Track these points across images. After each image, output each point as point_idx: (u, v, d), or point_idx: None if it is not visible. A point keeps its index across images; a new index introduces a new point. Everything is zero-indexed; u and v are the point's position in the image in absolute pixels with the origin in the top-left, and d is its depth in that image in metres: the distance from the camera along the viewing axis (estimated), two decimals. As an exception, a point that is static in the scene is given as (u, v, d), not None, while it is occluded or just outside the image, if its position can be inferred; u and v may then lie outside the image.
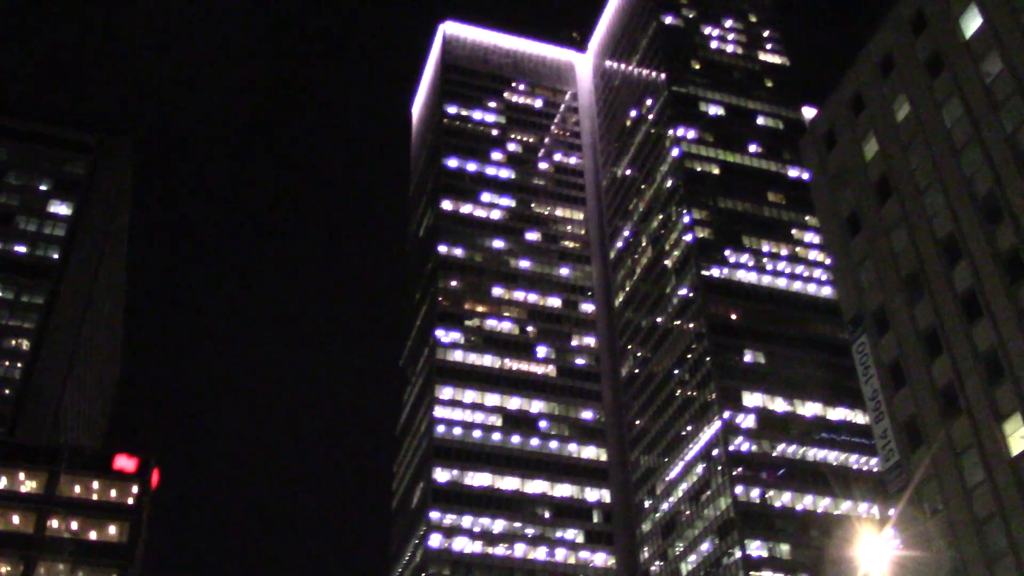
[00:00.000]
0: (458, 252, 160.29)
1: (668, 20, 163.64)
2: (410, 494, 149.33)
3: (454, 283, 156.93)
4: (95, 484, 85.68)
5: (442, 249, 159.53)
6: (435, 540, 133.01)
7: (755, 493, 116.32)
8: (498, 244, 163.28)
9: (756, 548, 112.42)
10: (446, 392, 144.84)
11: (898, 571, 48.41)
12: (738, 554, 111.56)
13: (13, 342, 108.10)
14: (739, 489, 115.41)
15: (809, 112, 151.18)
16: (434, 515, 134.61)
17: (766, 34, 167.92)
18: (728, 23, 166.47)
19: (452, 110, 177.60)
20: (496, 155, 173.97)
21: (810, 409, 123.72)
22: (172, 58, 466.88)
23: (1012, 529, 44.49)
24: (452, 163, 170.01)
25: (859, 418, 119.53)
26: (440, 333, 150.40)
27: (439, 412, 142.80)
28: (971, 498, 47.22)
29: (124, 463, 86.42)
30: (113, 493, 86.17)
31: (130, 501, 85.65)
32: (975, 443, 47.35)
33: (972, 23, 51.33)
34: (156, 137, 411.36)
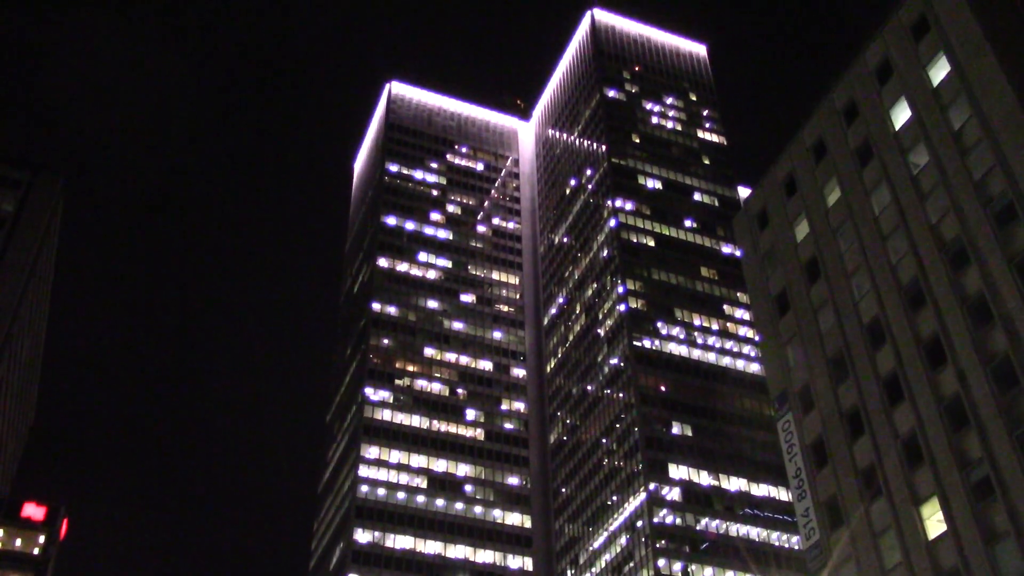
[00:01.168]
0: (392, 310, 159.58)
1: (611, 94, 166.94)
2: (329, 554, 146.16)
3: (386, 341, 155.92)
4: (0, 532, 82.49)
5: (376, 306, 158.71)
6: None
7: (677, 566, 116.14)
8: (432, 304, 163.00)
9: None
10: (372, 451, 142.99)
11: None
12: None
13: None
14: (662, 562, 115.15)
15: (744, 191, 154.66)
16: None
17: (705, 113, 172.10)
18: (669, 100, 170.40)
19: (393, 168, 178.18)
20: (435, 216, 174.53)
21: (735, 484, 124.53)
22: (111, 100, 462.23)
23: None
24: (390, 221, 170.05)
25: (783, 495, 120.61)
26: (369, 391, 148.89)
27: (363, 471, 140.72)
28: (888, 580, 47.71)
29: (32, 511, 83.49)
30: (19, 542, 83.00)
31: (36, 551, 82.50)
32: (893, 524, 47.97)
33: (901, 115, 53.21)
34: (88, 178, 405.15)
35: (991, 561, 42.62)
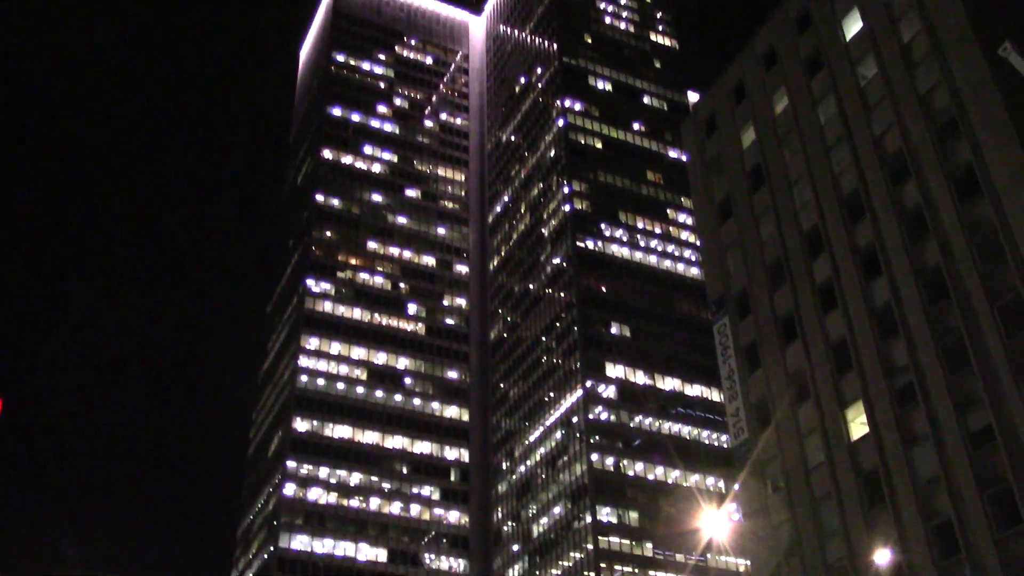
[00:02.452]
0: (335, 203, 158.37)
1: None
2: (268, 442, 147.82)
3: (328, 233, 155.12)
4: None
5: (319, 198, 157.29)
6: (290, 489, 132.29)
7: (610, 461, 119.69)
8: (376, 198, 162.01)
9: (606, 514, 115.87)
10: (312, 342, 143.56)
11: (738, 540, 50.91)
12: (589, 519, 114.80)
13: None
14: (595, 456, 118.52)
15: (694, 97, 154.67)
16: (291, 464, 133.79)
17: (659, 15, 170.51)
18: (623, 1, 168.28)
19: (340, 58, 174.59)
20: (381, 108, 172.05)
21: (669, 384, 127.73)
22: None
23: (845, 509, 47.26)
24: (336, 112, 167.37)
25: (714, 395, 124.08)
26: (310, 283, 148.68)
27: (303, 362, 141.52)
28: (811, 478, 49.88)
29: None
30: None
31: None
32: (819, 426, 49.95)
33: (853, 26, 53.46)
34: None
35: (909, 462, 44.77)
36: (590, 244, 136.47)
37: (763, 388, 54.33)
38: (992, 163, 43.89)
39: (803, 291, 53.10)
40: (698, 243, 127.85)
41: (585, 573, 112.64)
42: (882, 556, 41.99)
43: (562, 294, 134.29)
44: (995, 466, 40.93)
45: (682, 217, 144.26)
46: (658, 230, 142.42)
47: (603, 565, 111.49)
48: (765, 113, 58.98)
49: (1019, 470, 39.88)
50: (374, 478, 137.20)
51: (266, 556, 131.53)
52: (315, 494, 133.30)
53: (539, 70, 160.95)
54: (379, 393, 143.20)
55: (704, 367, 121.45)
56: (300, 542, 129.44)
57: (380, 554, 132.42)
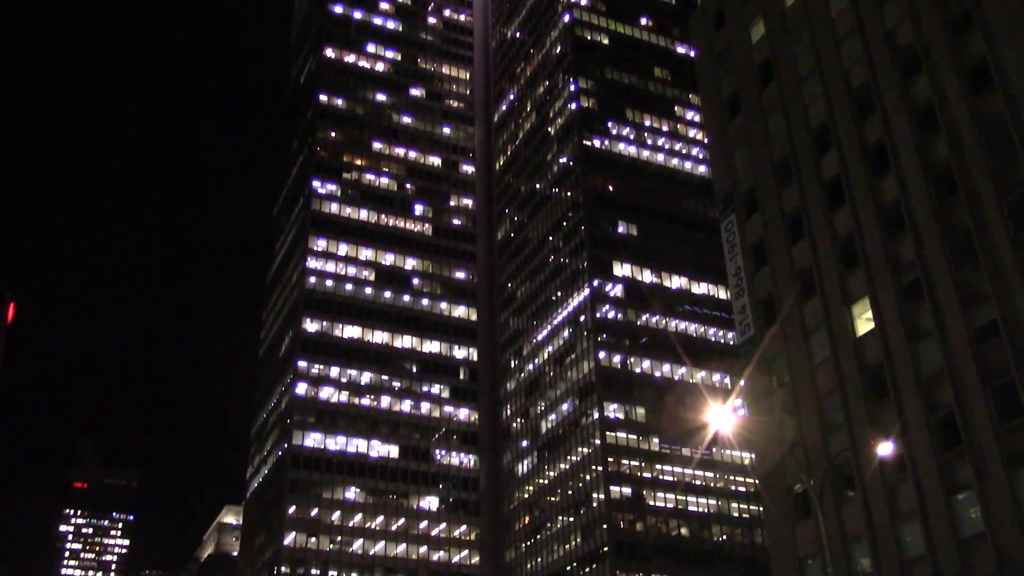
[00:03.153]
0: (339, 102, 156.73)
1: None
2: (278, 343, 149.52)
3: (333, 134, 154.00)
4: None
5: (323, 98, 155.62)
6: (301, 388, 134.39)
7: (617, 359, 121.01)
8: (380, 97, 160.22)
9: (613, 410, 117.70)
10: (319, 244, 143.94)
11: (743, 434, 51.84)
12: (596, 415, 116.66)
13: None
14: (602, 354, 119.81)
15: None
16: (301, 364, 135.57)
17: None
18: None
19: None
20: (384, 5, 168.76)
21: (676, 282, 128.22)
22: None
23: (849, 404, 47.94)
24: (338, 9, 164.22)
25: (721, 293, 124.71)
26: (316, 184, 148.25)
27: (311, 263, 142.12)
28: (815, 373, 50.48)
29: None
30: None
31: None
32: (824, 322, 50.32)
33: (867, -85, 51.98)
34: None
35: (913, 357, 45.23)
36: (597, 142, 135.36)
37: (770, 285, 54.57)
38: (1006, 56, 43.20)
39: (811, 188, 52.88)
40: (706, 140, 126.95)
41: (593, 468, 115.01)
42: (884, 448, 42.77)
43: (568, 193, 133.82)
44: (999, 360, 41.35)
45: (690, 114, 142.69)
46: (665, 127, 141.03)
47: (610, 460, 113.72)
48: (775, 6, 57.81)
49: (1023, 364, 40.32)
50: (384, 377, 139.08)
51: (280, 453, 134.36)
52: (326, 393, 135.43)
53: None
54: (387, 294, 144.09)
55: (711, 265, 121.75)
56: (313, 439, 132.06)
57: (392, 450, 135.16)
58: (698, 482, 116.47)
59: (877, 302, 47.53)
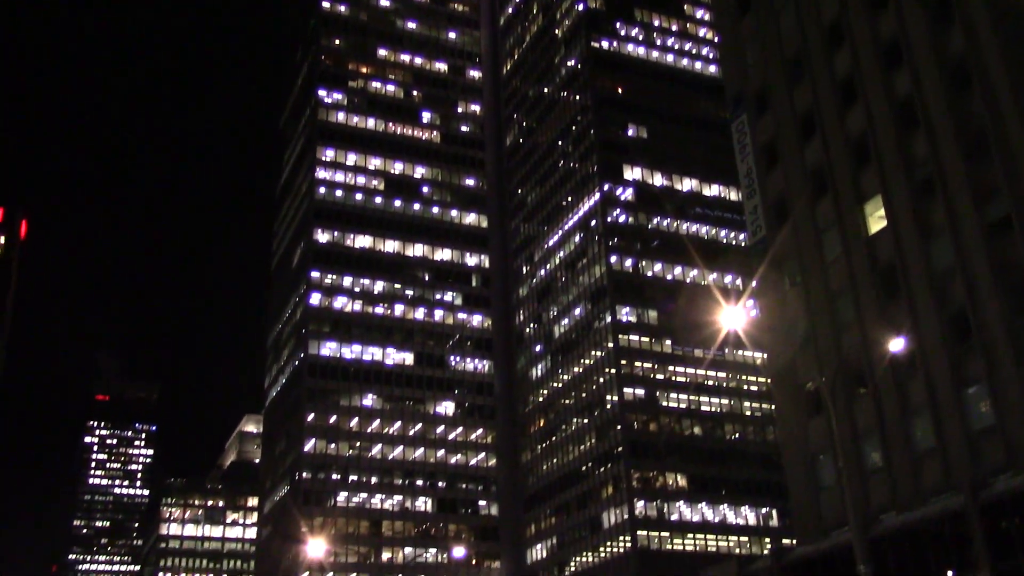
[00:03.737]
0: (342, 9, 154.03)
1: None
2: (290, 254, 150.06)
3: (337, 42, 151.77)
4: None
5: (325, 5, 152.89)
6: (315, 298, 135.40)
7: (628, 262, 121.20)
8: (384, 3, 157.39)
9: (626, 313, 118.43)
10: (328, 154, 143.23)
11: (755, 334, 52.27)
12: (608, 319, 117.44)
13: None
14: (613, 258, 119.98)
15: None
16: (314, 274, 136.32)
17: None
18: None
19: None
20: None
21: (687, 184, 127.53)
22: None
23: (861, 301, 48.16)
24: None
25: (732, 195, 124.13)
26: (322, 94, 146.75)
27: (320, 174, 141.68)
28: (827, 272, 50.60)
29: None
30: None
31: None
32: (837, 222, 50.23)
33: None
34: None
35: (926, 254, 45.23)
36: (605, 44, 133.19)
37: (781, 185, 54.34)
38: (1024, -56, 42.12)
39: (823, 86, 52.21)
40: (716, 39, 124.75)
41: (606, 370, 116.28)
42: (896, 344, 43.10)
43: (577, 97, 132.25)
44: (1012, 255, 41.34)
45: (699, 13, 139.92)
46: (675, 27, 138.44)
47: (623, 362, 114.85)
48: None
49: (1035, 258, 40.31)
50: (397, 285, 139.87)
51: (297, 362, 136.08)
52: (340, 302, 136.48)
53: None
54: (397, 202, 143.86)
55: (722, 166, 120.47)
56: (328, 348, 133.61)
57: (407, 357, 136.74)
58: (710, 382, 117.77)
59: (890, 200, 47.32)
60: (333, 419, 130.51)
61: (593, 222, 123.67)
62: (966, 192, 43.45)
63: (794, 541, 59.09)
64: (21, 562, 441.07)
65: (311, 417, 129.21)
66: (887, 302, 46.86)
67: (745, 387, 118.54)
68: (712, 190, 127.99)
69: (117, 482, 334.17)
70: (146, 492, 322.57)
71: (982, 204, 42.87)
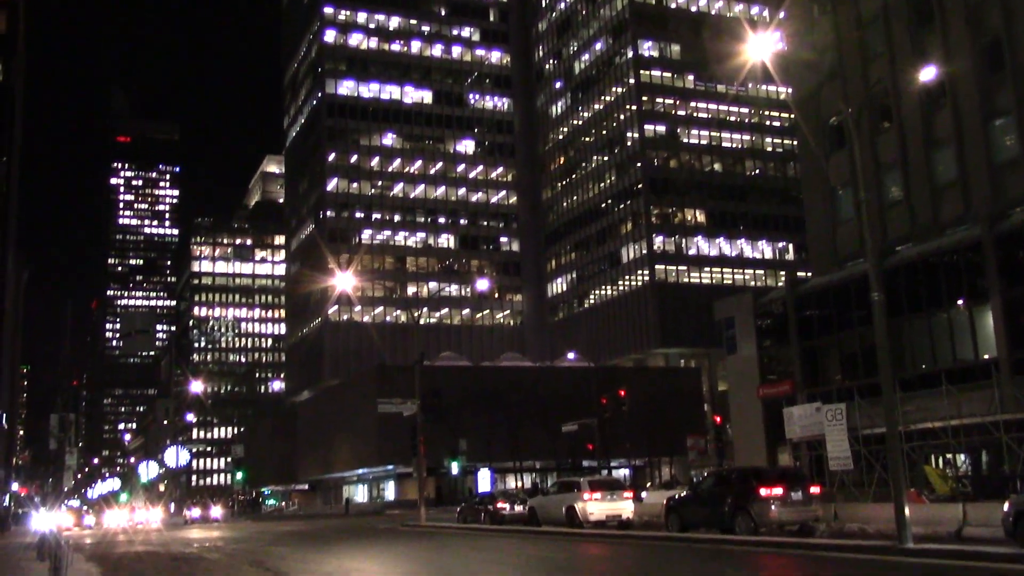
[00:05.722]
0: None
1: None
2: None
3: None
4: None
5: None
6: (330, 36, 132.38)
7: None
8: None
9: (648, 48, 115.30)
10: None
11: (781, 66, 50.99)
12: (630, 53, 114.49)
13: None
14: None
15: None
16: (327, 10, 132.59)
17: None
18: None
19: None
20: None
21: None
22: None
23: (891, 31, 46.60)
24: None
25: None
26: None
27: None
28: (859, 0, 48.69)
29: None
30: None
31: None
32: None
33: None
34: None
35: (963, -21, 43.24)
36: None
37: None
38: None
39: None
40: None
41: (626, 106, 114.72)
42: (926, 74, 42.06)
43: None
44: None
45: None
46: None
47: (644, 98, 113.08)
48: None
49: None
50: (413, 21, 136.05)
51: (314, 102, 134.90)
52: (356, 40, 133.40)
53: None
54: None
55: None
56: (346, 87, 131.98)
57: (425, 96, 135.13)
58: (732, 118, 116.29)
59: (931, -80, 44.68)
60: (354, 159, 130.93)
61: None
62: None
63: (809, 273, 60.38)
64: (64, 300, 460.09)
65: (332, 157, 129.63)
66: (919, 31, 45.35)
67: (768, 123, 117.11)
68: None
69: (146, 222, 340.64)
70: (175, 231, 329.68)
71: (1029, -77, 40.48)
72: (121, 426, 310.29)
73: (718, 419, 79.11)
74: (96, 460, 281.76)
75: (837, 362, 47.37)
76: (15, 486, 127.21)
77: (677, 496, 30.28)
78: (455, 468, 59.26)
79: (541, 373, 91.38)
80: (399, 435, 61.29)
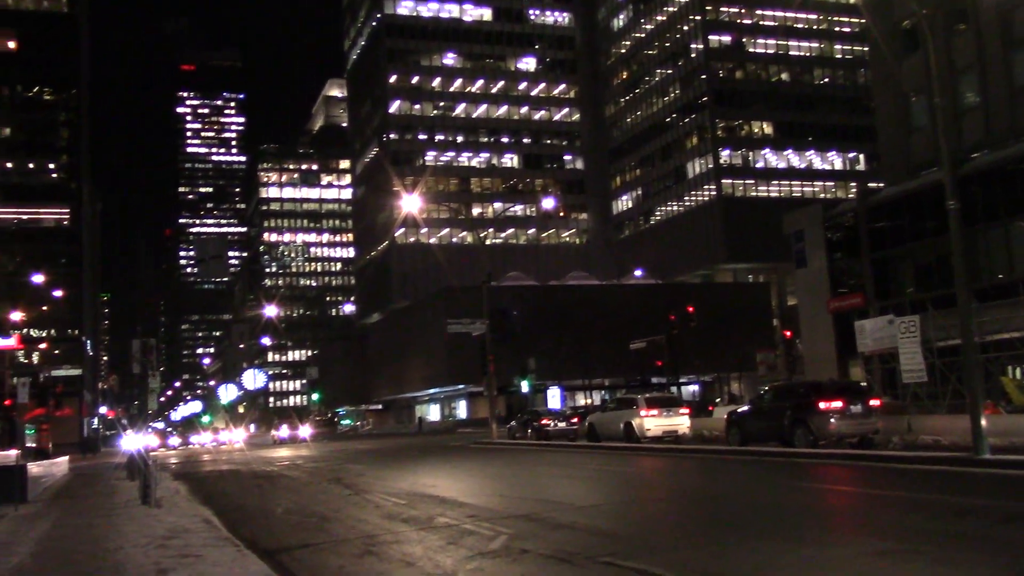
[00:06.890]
0: None
1: None
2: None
3: None
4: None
5: None
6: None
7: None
8: None
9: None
10: None
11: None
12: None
13: None
14: None
15: None
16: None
17: None
18: None
19: None
20: None
21: None
22: None
23: (968, -74, 44.63)
24: None
25: None
26: None
27: None
28: None
29: None
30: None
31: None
32: None
33: None
34: None
35: None
36: None
37: None
38: None
39: None
40: None
41: (690, 17, 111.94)
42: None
43: None
44: None
45: None
46: None
47: (708, 8, 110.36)
48: None
49: None
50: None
51: (374, 23, 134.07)
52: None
53: None
54: None
55: None
56: (405, 7, 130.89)
57: (485, 13, 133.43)
58: (800, 25, 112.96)
59: None
60: (415, 80, 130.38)
61: None
62: None
63: (880, 184, 59.03)
64: (138, 227, 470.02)
65: (393, 79, 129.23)
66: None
67: (836, 28, 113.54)
68: None
69: (214, 149, 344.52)
70: (243, 158, 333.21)
71: None
72: (199, 350, 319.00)
73: (788, 334, 78.55)
74: (178, 383, 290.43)
75: (910, 274, 46.53)
76: (103, 409, 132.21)
77: (738, 410, 30.44)
78: (525, 387, 59.91)
79: (608, 291, 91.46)
80: (469, 355, 62.16)
